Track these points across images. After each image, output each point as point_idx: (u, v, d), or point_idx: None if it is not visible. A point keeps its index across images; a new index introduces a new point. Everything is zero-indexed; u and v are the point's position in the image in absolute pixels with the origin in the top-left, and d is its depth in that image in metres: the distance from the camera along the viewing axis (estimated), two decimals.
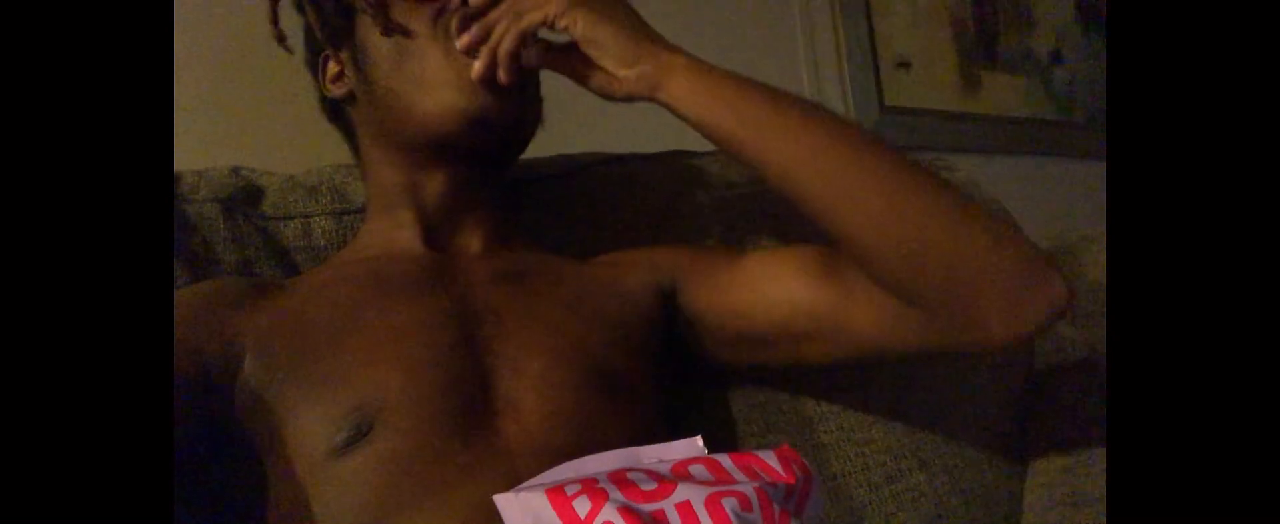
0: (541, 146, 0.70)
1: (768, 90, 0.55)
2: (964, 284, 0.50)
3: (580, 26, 0.54)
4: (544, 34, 0.58)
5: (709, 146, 0.85)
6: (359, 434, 0.49)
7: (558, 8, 0.54)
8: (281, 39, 0.63)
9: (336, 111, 0.67)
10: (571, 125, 0.78)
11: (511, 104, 0.59)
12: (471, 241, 0.62)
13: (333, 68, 0.65)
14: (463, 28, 0.57)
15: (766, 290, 0.59)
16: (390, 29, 0.59)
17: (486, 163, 0.63)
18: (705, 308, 0.61)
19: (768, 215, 0.76)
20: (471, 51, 0.57)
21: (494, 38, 0.56)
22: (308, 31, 0.66)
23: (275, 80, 0.92)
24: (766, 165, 0.54)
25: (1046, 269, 0.51)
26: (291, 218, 0.68)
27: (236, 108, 0.90)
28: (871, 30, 1.30)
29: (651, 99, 0.55)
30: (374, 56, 0.60)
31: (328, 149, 0.77)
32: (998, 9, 1.48)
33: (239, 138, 0.89)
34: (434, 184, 0.62)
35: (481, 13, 0.57)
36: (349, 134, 0.68)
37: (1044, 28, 1.54)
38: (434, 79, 0.58)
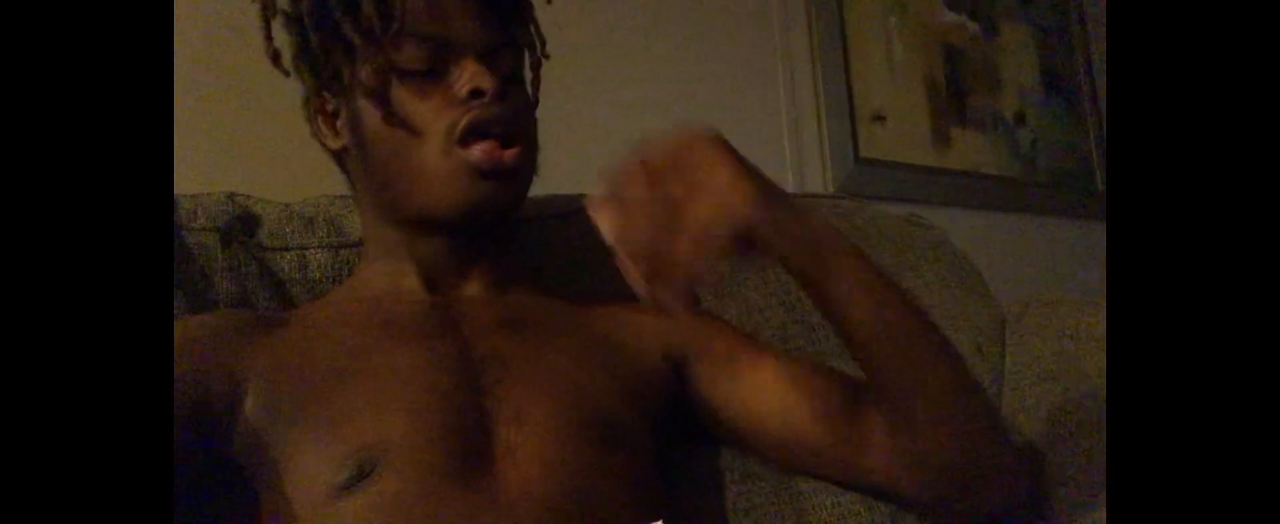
0: (538, 186, 0.72)
1: (855, 250, 0.54)
2: (977, 475, 0.57)
3: (764, 231, 0.48)
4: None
5: None
6: (361, 476, 0.49)
7: (734, 220, 0.47)
8: (276, 57, 0.60)
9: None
10: (567, 164, 0.80)
11: (508, 190, 0.59)
12: (474, 286, 0.63)
13: (331, 105, 0.62)
14: (470, 130, 0.57)
15: (786, 406, 0.60)
16: (391, 119, 0.57)
17: (484, 232, 0.63)
18: (718, 399, 0.63)
19: (757, 268, 0.79)
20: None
21: (673, 274, 0.47)
22: (297, 64, 0.62)
23: (271, 103, 0.92)
24: (843, 323, 0.54)
25: (1027, 469, 0.60)
26: (288, 250, 0.69)
27: (231, 130, 0.90)
28: (849, 85, 1.35)
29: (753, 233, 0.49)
30: (371, 133, 0.59)
31: (324, 174, 0.78)
32: (968, 69, 1.55)
33: (232, 161, 0.89)
34: (431, 244, 0.62)
35: (492, 111, 0.56)
36: (343, 169, 0.66)
37: (1010, 90, 1.61)
38: (434, 174, 0.57)
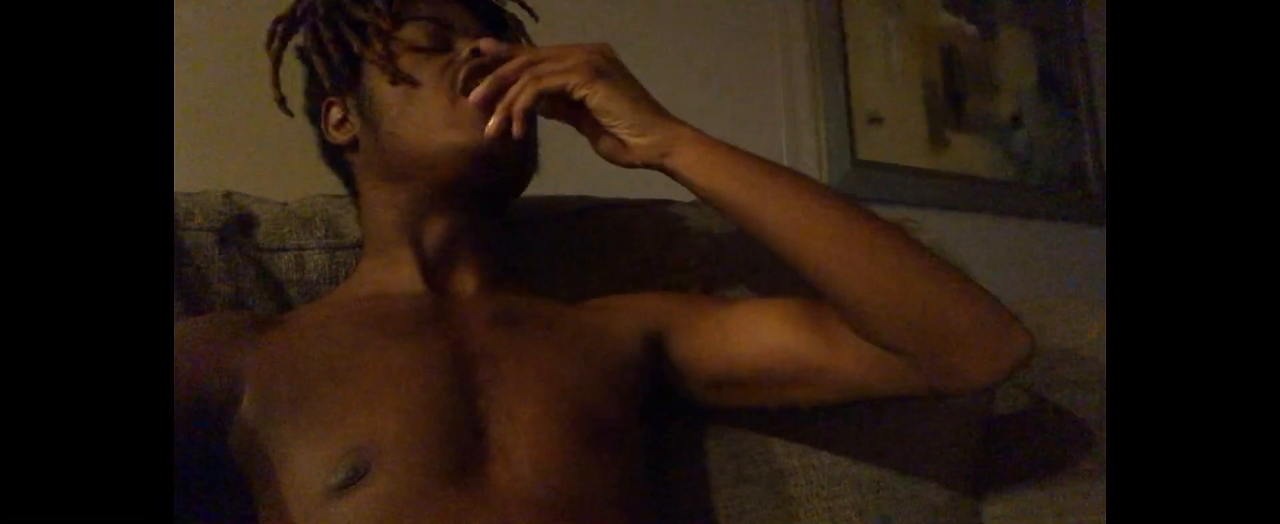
0: (533, 187, 0.72)
1: (764, 161, 0.59)
2: (942, 335, 0.54)
3: (598, 98, 0.57)
4: None
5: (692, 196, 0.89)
6: (355, 476, 0.50)
7: (577, 79, 0.57)
8: (282, 101, 0.65)
9: (336, 156, 0.68)
10: (560, 167, 0.80)
11: (513, 146, 0.60)
12: (467, 283, 0.64)
13: (335, 113, 0.66)
14: (469, 81, 0.60)
15: (755, 336, 0.61)
16: (398, 78, 0.61)
17: (487, 202, 0.65)
18: (694, 352, 0.63)
19: (747, 267, 0.79)
20: (483, 103, 0.59)
21: (509, 95, 0.58)
22: (309, 80, 0.67)
23: (268, 101, 0.92)
24: (764, 226, 0.57)
25: (1012, 322, 0.55)
26: (285, 250, 0.69)
27: (227, 128, 0.90)
28: (847, 87, 1.35)
29: (659, 166, 0.59)
30: (380, 103, 0.62)
31: (320, 173, 0.78)
32: (965, 72, 1.55)
33: (228, 159, 0.89)
34: (434, 225, 0.63)
35: (491, 67, 0.60)
36: (347, 177, 0.69)
37: (1006, 93, 1.61)
38: (439, 122, 0.60)
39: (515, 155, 0.62)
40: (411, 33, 0.62)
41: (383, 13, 0.62)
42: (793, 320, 0.60)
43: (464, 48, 0.62)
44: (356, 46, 0.62)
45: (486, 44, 0.61)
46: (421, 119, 0.61)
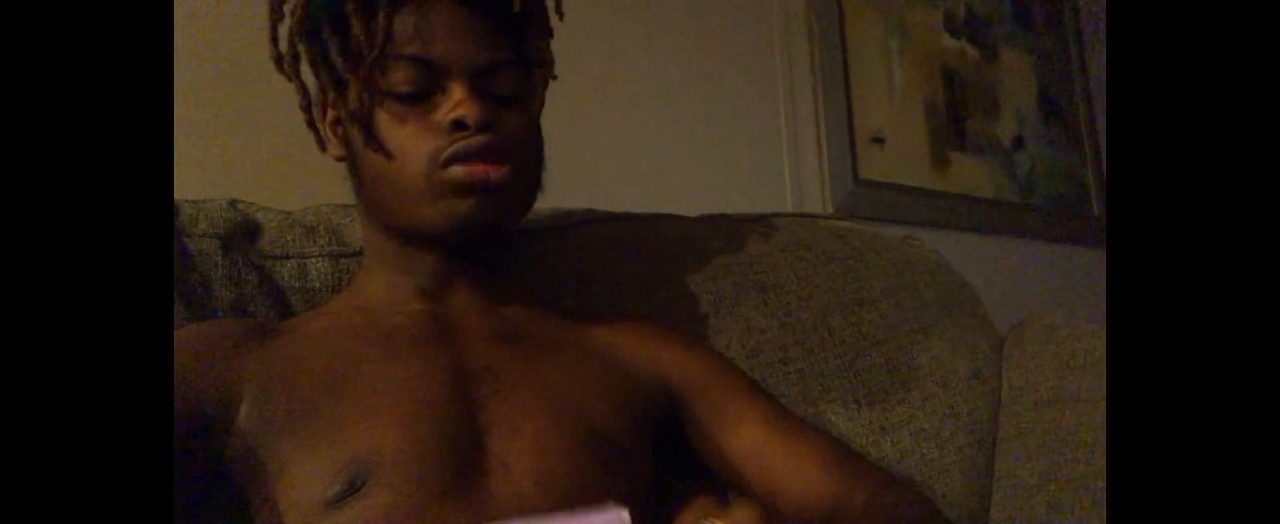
0: (539, 201, 0.72)
1: None
2: None
3: None
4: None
5: (698, 211, 0.89)
6: (352, 489, 0.49)
7: None
8: (279, 60, 0.59)
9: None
10: (566, 179, 0.80)
11: (491, 206, 0.57)
12: (470, 298, 0.62)
13: (331, 113, 0.62)
14: (454, 158, 0.56)
15: (777, 484, 0.59)
16: (373, 144, 0.58)
17: (478, 245, 0.62)
18: (705, 448, 0.62)
19: (755, 286, 0.79)
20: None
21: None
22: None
23: (274, 110, 0.93)
24: None
25: None
26: (288, 258, 0.68)
27: (233, 137, 0.90)
28: (849, 107, 1.36)
29: None
30: (359, 152, 0.59)
31: (326, 182, 0.78)
32: (967, 93, 1.56)
33: (234, 168, 0.89)
34: (426, 256, 0.61)
35: (481, 150, 0.55)
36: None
37: (1008, 115, 1.62)
38: (416, 192, 0.57)
39: (493, 216, 0.58)
40: (394, 79, 0.56)
41: (363, 58, 0.56)
42: (806, 489, 0.58)
43: (446, 113, 0.56)
44: (332, 97, 0.59)
45: (470, 112, 0.56)
46: (399, 185, 0.57)
